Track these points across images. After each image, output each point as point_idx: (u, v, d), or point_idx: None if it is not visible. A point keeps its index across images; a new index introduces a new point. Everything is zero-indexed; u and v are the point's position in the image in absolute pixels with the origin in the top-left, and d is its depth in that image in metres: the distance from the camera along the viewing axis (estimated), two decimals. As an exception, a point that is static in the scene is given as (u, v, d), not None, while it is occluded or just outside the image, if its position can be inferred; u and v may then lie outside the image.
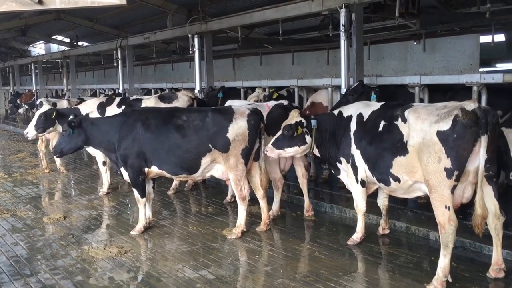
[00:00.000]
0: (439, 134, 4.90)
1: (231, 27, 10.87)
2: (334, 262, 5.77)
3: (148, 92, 15.69)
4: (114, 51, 14.97)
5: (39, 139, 11.69)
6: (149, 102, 9.45)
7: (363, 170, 5.94)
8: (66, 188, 10.50)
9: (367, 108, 6.06)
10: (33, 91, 22.25)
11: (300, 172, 7.44)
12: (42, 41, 28.26)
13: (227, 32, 14.27)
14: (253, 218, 7.54)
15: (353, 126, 6.05)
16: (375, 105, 6.05)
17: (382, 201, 6.48)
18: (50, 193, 9.97)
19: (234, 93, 11.39)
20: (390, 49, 11.29)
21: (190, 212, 8.24)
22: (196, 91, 11.28)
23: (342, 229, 7.09)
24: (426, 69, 10.32)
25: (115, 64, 15.45)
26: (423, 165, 5.04)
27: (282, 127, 6.40)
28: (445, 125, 4.88)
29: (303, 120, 6.32)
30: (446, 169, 4.85)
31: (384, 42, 11.41)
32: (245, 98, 10.81)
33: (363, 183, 6.05)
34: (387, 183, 5.60)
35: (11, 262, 6.02)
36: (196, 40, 10.99)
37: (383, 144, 5.55)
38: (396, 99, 7.45)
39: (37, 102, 13.16)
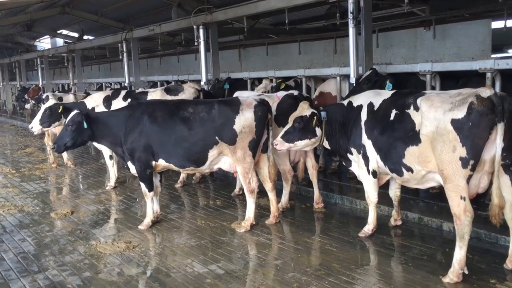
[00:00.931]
0: (454, 122, 4.74)
1: (236, 17, 10.69)
2: (345, 255, 5.66)
3: (154, 85, 15.59)
4: (119, 44, 14.85)
5: (45, 133, 11.64)
6: (155, 94, 9.33)
7: (375, 161, 5.80)
8: (74, 182, 10.45)
9: (378, 97, 5.90)
10: (40, 85, 22.21)
11: (310, 163, 7.31)
12: (47, 36, 28.17)
13: (233, 23, 14.11)
14: (262, 210, 7.44)
15: (363, 115, 5.90)
16: (386, 94, 5.89)
17: (394, 192, 6.34)
18: (58, 188, 9.92)
19: (240, 84, 11.24)
20: (399, 36, 11.06)
21: (198, 205, 8.15)
22: (202, 83, 11.14)
23: (353, 221, 6.97)
24: (436, 56, 10.09)
25: (120, 57, 15.33)
26: (437, 155, 4.89)
27: (291, 119, 6.26)
28: (460, 113, 4.71)
29: (316, 112, 6.18)
30: (461, 159, 4.69)
31: (393, 29, 11.18)
32: (252, 89, 10.65)
33: (374, 174, 5.91)
34: (400, 174, 5.45)
35: (18, 258, 5.96)
36: (201, 31, 10.83)
37: (395, 134, 5.40)
38: (407, 87, 7.27)
39: (43, 97, 13.09)
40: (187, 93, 9.25)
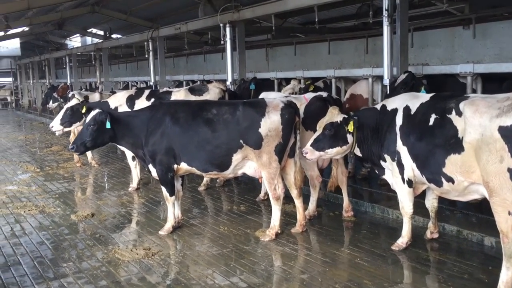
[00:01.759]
0: (502, 130, 4.28)
1: (264, 15, 10.35)
2: (377, 270, 5.24)
3: (179, 84, 15.39)
4: (145, 43, 14.71)
5: (71, 132, 11.55)
6: (179, 94, 9.08)
7: (410, 169, 5.37)
8: (97, 183, 10.30)
9: (414, 100, 5.47)
10: (68, 84, 22.37)
11: (340, 169, 6.91)
12: (77, 35, 28.46)
13: (260, 22, 13.76)
14: (288, 217, 7.08)
15: (398, 120, 5.48)
16: (424, 97, 5.46)
17: (430, 202, 5.89)
18: (80, 188, 9.78)
19: (267, 84, 10.90)
20: (435, 36, 10.50)
21: (221, 210, 7.84)
22: (228, 83, 10.84)
23: (385, 232, 6.54)
24: (476, 57, 9.50)
25: (146, 56, 15.19)
26: (481, 165, 4.45)
27: (321, 126, 5.84)
28: (509, 120, 4.26)
29: (350, 117, 5.77)
30: (509, 170, 4.24)
31: (428, 28, 10.62)
32: (279, 90, 10.30)
33: (410, 183, 5.48)
34: (439, 184, 5.02)
35: (35, 263, 5.77)
36: (227, 29, 10.53)
37: (435, 140, 4.97)
38: (444, 90, 6.78)
39: (69, 95, 13.06)
40: (212, 93, 8.97)
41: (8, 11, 16.08)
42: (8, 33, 24.77)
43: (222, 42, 10.73)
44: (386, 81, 7.04)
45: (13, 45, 31.26)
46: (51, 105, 19.48)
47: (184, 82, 14.79)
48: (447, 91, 6.79)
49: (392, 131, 5.51)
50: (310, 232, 6.58)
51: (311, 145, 5.83)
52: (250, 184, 9.29)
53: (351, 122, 5.69)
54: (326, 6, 9.99)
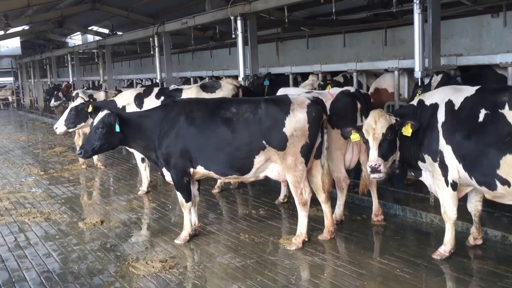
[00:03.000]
0: None
1: (278, 7, 9.79)
2: (421, 284, 4.73)
3: (186, 81, 14.85)
4: (151, 39, 14.14)
5: (76, 132, 11.07)
6: (190, 92, 8.54)
7: (456, 170, 4.85)
8: (104, 186, 9.80)
9: (458, 93, 4.95)
10: (70, 82, 21.86)
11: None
12: (79, 33, 27.94)
13: (268, 16, 13.21)
14: (312, 222, 6.54)
15: (440, 116, 4.95)
16: (468, 90, 4.94)
17: (474, 206, 5.37)
18: (87, 192, 9.28)
19: (281, 79, 10.35)
20: (461, 24, 9.90)
21: (239, 215, 7.33)
22: (240, 78, 10.30)
23: (420, 238, 6.02)
24: (507, 46, 8.89)
25: (151, 52, 14.64)
26: (545, 167, 3.93)
27: (379, 132, 5.04)
28: None
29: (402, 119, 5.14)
30: None
31: (453, 17, 10.03)
32: (294, 85, 9.75)
33: (454, 186, 4.95)
34: (492, 187, 4.50)
35: (41, 279, 5.27)
36: (239, 22, 9.97)
37: (486, 139, 4.47)
38: (481, 83, 6.23)
39: (73, 94, 12.54)
40: (225, 90, 8.43)
41: (8, 8, 15.64)
42: (8, 32, 24.36)
43: (233, 36, 10.17)
44: (418, 74, 6.49)
45: (13, 44, 30.78)
46: (53, 103, 18.98)
47: (191, 79, 14.24)
48: (483, 84, 6.26)
49: (434, 129, 4.99)
50: (339, 239, 6.07)
51: (379, 156, 5.02)
52: (267, 185, 8.76)
53: (408, 125, 5.02)
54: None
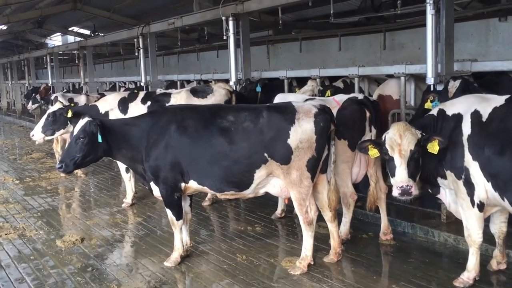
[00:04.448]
0: None
1: (272, 7, 9.23)
2: (446, 317, 4.20)
3: (170, 84, 14.16)
4: (135, 40, 13.45)
5: (54, 139, 10.33)
6: (179, 97, 7.91)
7: (483, 190, 4.33)
8: (85, 197, 9.09)
9: (485, 103, 4.45)
10: (49, 84, 20.95)
11: (379, 185, 5.85)
12: (59, 33, 27.10)
13: (259, 18, 12.66)
14: (314, 241, 5.89)
15: (466, 128, 4.44)
16: (497, 99, 4.44)
17: (498, 227, 4.86)
18: (66, 204, 8.55)
19: (274, 85, 9.79)
20: (465, 29, 9.47)
21: (233, 232, 6.72)
22: (231, 83, 9.71)
23: (436, 261, 5.48)
24: (516, 52, 8.55)
25: (136, 54, 13.94)
26: None
27: (406, 149, 4.50)
28: None
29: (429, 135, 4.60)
30: None
31: (457, 21, 9.60)
32: (290, 91, 9.18)
33: (481, 207, 4.44)
34: (530, 210, 3.99)
35: (12, 312, 4.60)
36: (230, 23, 9.38)
37: (522, 155, 3.94)
38: (498, 90, 5.74)
39: (52, 97, 11.81)
40: (218, 95, 7.84)
41: (-17, 6, 14.86)
42: (-16, 32, 23.42)
43: (224, 37, 9.57)
44: (431, 80, 5.99)
45: (-10, 45, 29.70)
46: (31, 106, 18.12)
47: (178, 83, 13.58)
48: (500, 92, 5.78)
49: (458, 143, 4.47)
50: (346, 262, 5.50)
51: (409, 177, 4.47)
52: (261, 198, 8.11)
53: (435, 142, 4.47)
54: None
